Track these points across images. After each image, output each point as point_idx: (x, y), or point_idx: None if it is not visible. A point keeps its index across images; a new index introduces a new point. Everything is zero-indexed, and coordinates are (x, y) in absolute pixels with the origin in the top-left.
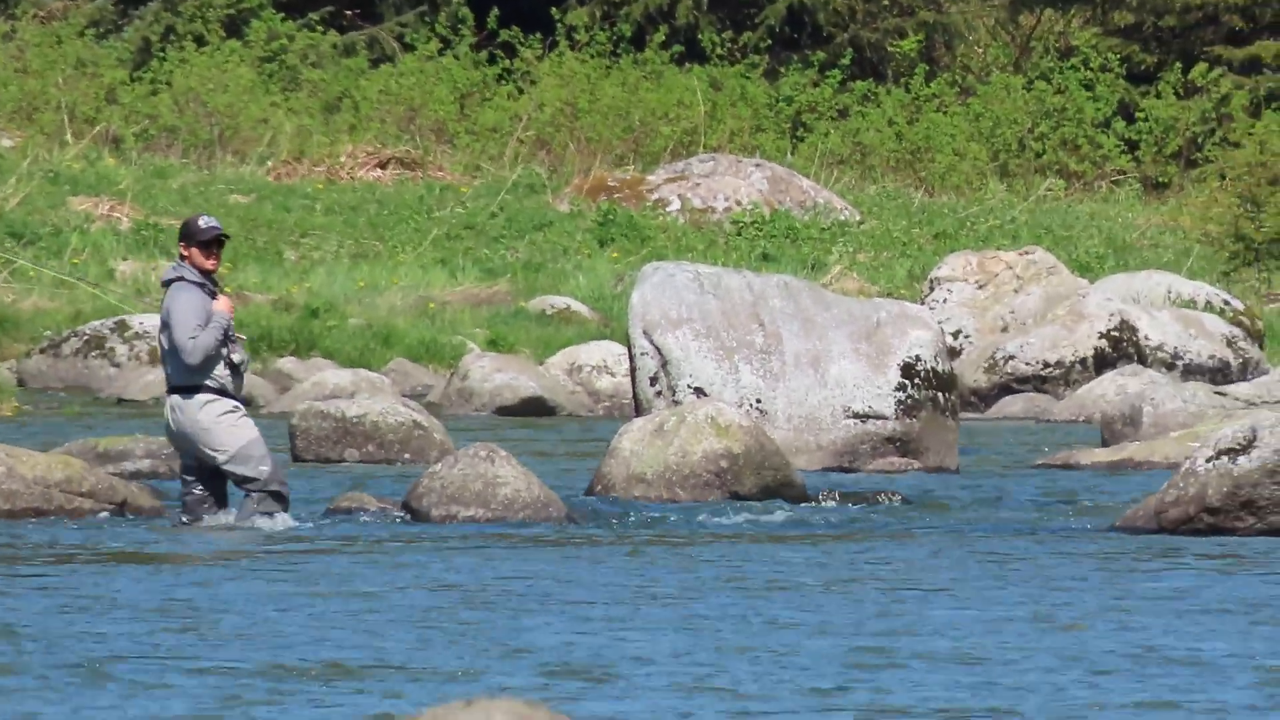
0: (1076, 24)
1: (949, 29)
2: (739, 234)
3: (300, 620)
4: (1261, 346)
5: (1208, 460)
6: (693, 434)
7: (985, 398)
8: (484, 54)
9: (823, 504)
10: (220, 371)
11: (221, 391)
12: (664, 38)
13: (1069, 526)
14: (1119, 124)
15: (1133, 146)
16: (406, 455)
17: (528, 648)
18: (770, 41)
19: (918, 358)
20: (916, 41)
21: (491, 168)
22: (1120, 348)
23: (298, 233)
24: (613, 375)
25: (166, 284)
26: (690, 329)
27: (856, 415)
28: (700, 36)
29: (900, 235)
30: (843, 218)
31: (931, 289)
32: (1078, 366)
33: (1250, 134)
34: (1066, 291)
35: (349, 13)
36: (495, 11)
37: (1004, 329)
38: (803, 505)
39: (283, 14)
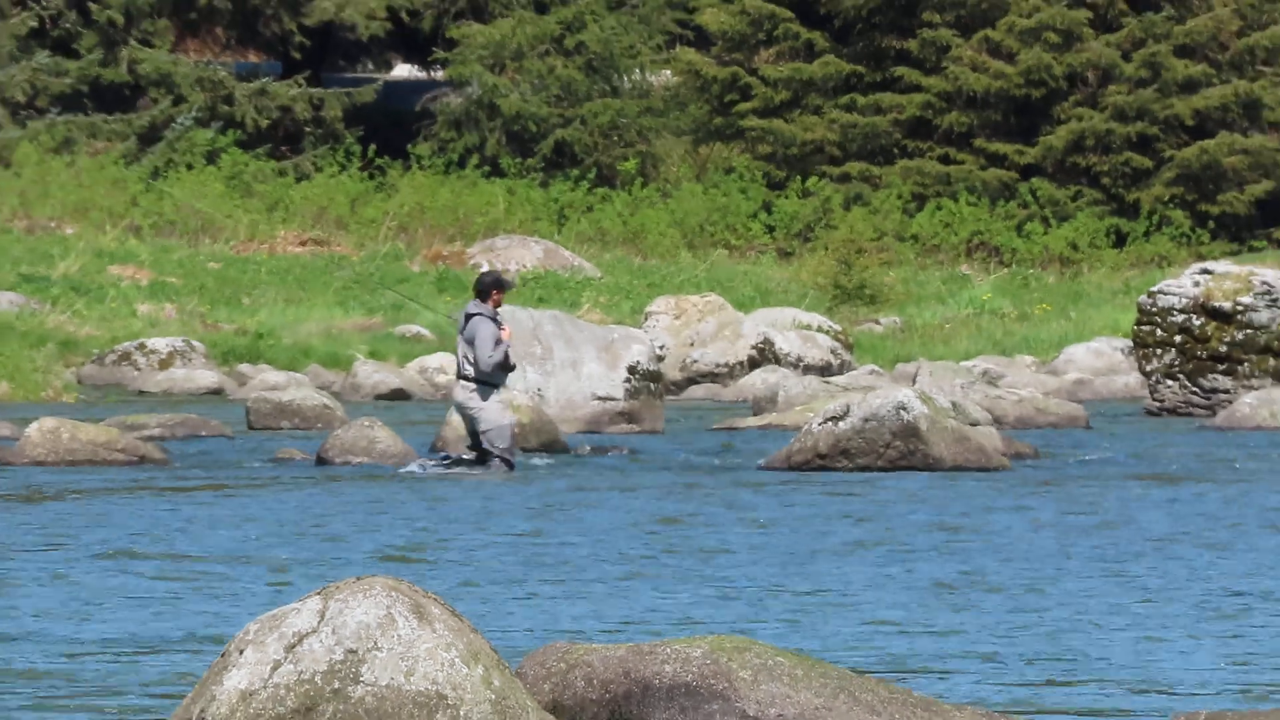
0: (736, 151)
1: (655, 155)
2: (524, 285)
3: (229, 528)
4: (851, 353)
5: (819, 424)
6: None
7: (680, 387)
8: (366, 173)
9: (579, 454)
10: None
11: (494, 385)
12: (478, 161)
13: (733, 465)
14: (763, 215)
15: (771, 229)
16: (319, 425)
17: (385, 545)
18: (544, 163)
19: (638, 362)
20: (635, 163)
21: (370, 244)
22: (764, 355)
23: (250, 287)
24: (447, 374)
25: (469, 315)
26: None
27: (599, 398)
28: (501, 160)
29: (625, 286)
30: (590, 275)
31: (646, 319)
32: (738, 367)
33: (843, 221)
34: (730, 320)
35: (284, 148)
36: (373, 146)
37: (691, 344)
38: (566, 454)
39: (241, 149)
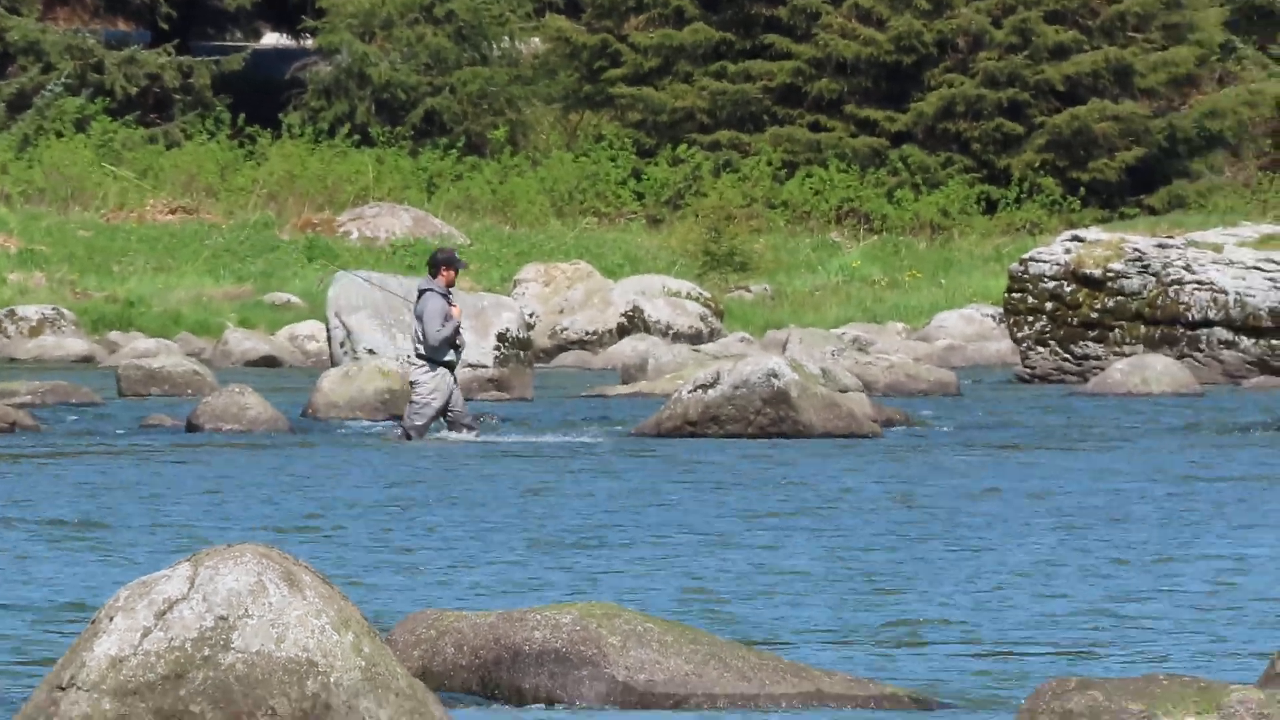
0: (605, 119)
1: (525, 123)
2: (394, 254)
3: (99, 495)
4: (721, 320)
5: (689, 391)
6: (367, 378)
7: (550, 354)
8: (235, 141)
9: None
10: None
11: (443, 364)
12: (348, 130)
13: (603, 432)
14: (632, 182)
15: (640, 197)
16: (189, 391)
17: (257, 513)
18: (414, 132)
19: (507, 329)
20: (504, 131)
21: (240, 213)
22: (634, 322)
23: (120, 255)
24: (317, 341)
25: (421, 291)
26: (365, 312)
27: (469, 365)
28: (370, 129)
29: (495, 254)
30: (460, 243)
31: (515, 287)
32: (607, 334)
33: (713, 189)
34: (599, 288)
35: (153, 115)
36: (242, 115)
37: (560, 312)
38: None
39: (111, 117)
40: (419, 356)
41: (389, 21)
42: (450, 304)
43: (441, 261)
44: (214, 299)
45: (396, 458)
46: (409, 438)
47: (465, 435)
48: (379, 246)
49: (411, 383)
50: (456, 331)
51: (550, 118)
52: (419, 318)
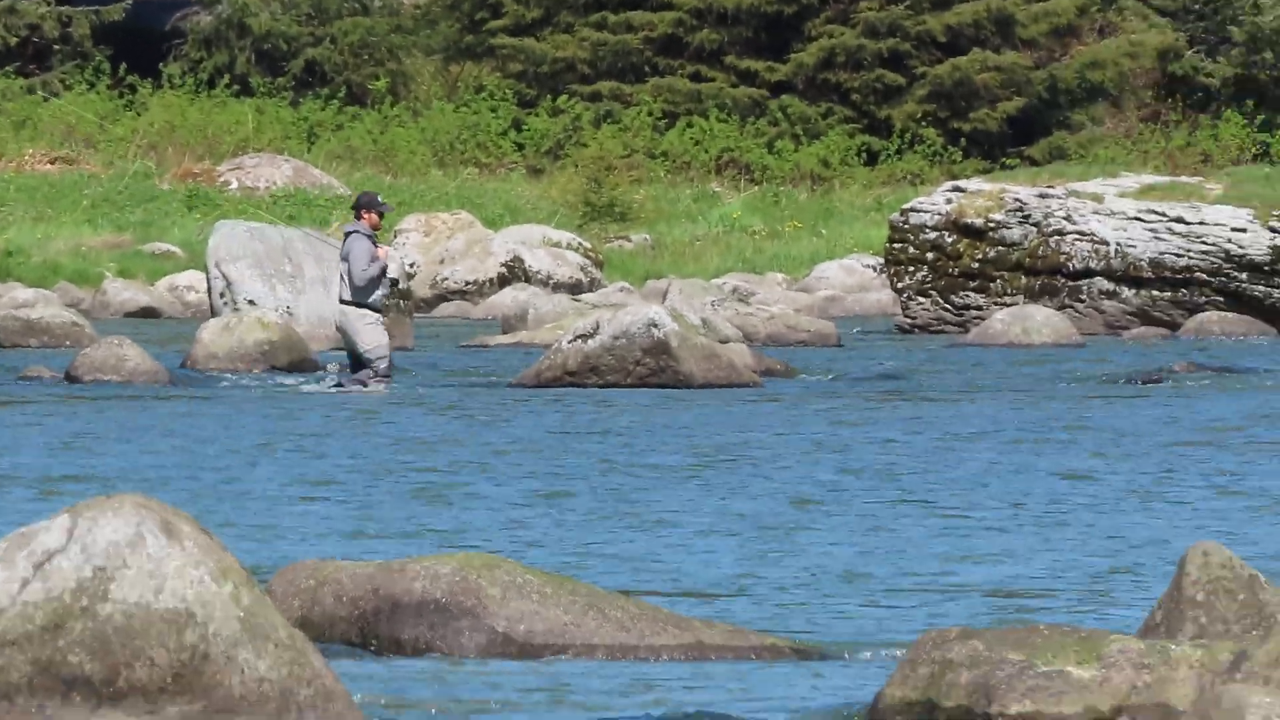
0: (486, 70)
1: (406, 74)
2: (275, 204)
3: None
4: (601, 270)
5: (569, 341)
6: (247, 329)
7: (431, 304)
8: (115, 92)
9: (329, 372)
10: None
11: (372, 307)
12: (228, 81)
13: (483, 381)
14: (513, 133)
15: (521, 147)
16: (68, 343)
17: (136, 464)
18: (294, 82)
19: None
20: (385, 82)
21: (120, 163)
22: (514, 272)
23: None
24: (197, 292)
25: (347, 234)
26: (245, 262)
27: None
28: (251, 79)
29: None
30: (341, 194)
31: (396, 236)
32: (487, 284)
33: (594, 139)
34: (480, 238)
35: (32, 66)
36: (123, 65)
37: (441, 261)
38: (317, 372)
39: None
40: (349, 300)
41: None
42: (375, 245)
43: (363, 204)
44: (93, 249)
45: (275, 408)
46: (387, 382)
47: (359, 388)
48: (259, 196)
49: (340, 329)
50: (383, 272)
51: (431, 68)
52: (345, 259)
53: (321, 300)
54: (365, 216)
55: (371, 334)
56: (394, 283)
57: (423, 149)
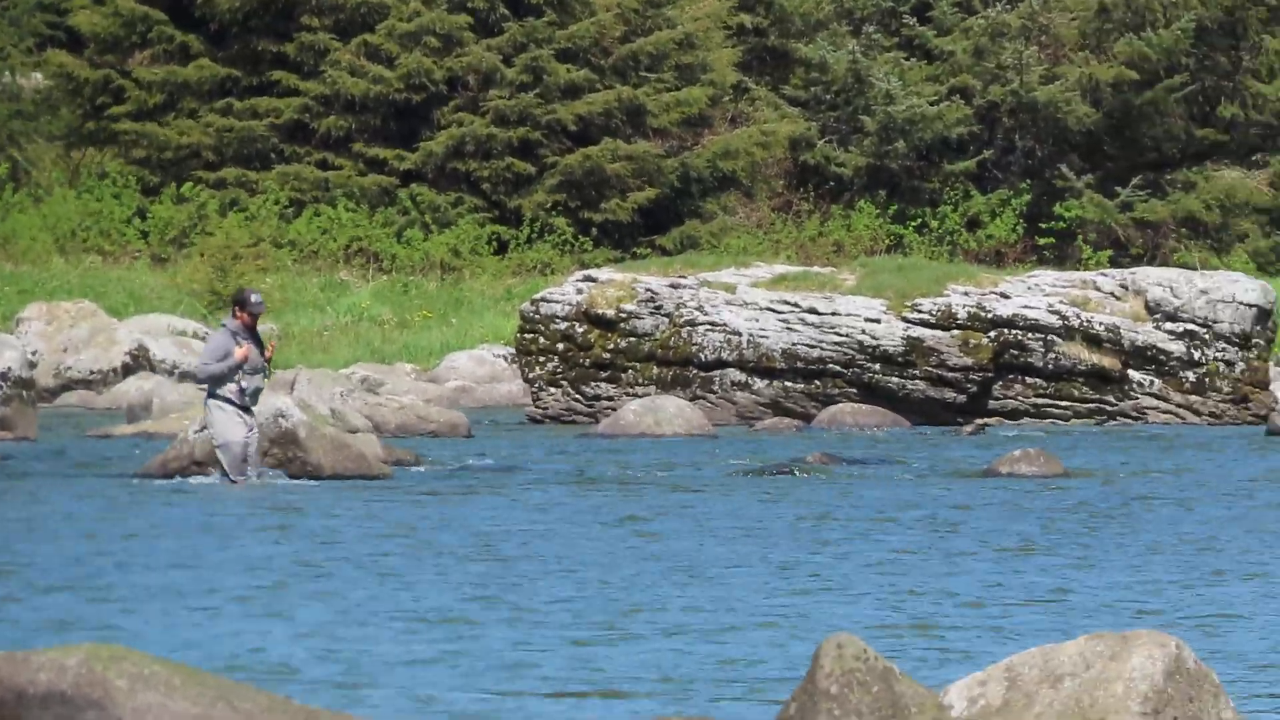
0: (110, 156)
1: (28, 159)
2: None
3: None
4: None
5: (195, 431)
6: None
7: (54, 393)
8: None
9: None
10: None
11: (228, 401)
12: None
13: (107, 472)
14: (137, 221)
15: (145, 235)
16: None
17: None
18: None
19: (10, 368)
20: (5, 168)
21: None
22: (139, 361)
23: None
24: None
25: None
26: None
27: None
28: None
29: None
30: None
31: (18, 325)
32: (112, 373)
33: (220, 227)
34: (104, 327)
35: None
36: None
37: (65, 350)
38: None
39: None
40: (210, 393)
41: None
42: (237, 344)
43: (235, 301)
44: None
45: None
46: (232, 481)
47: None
48: None
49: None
50: (232, 370)
51: (53, 154)
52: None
53: None
54: (238, 315)
55: (222, 427)
56: (260, 380)
57: (44, 236)
